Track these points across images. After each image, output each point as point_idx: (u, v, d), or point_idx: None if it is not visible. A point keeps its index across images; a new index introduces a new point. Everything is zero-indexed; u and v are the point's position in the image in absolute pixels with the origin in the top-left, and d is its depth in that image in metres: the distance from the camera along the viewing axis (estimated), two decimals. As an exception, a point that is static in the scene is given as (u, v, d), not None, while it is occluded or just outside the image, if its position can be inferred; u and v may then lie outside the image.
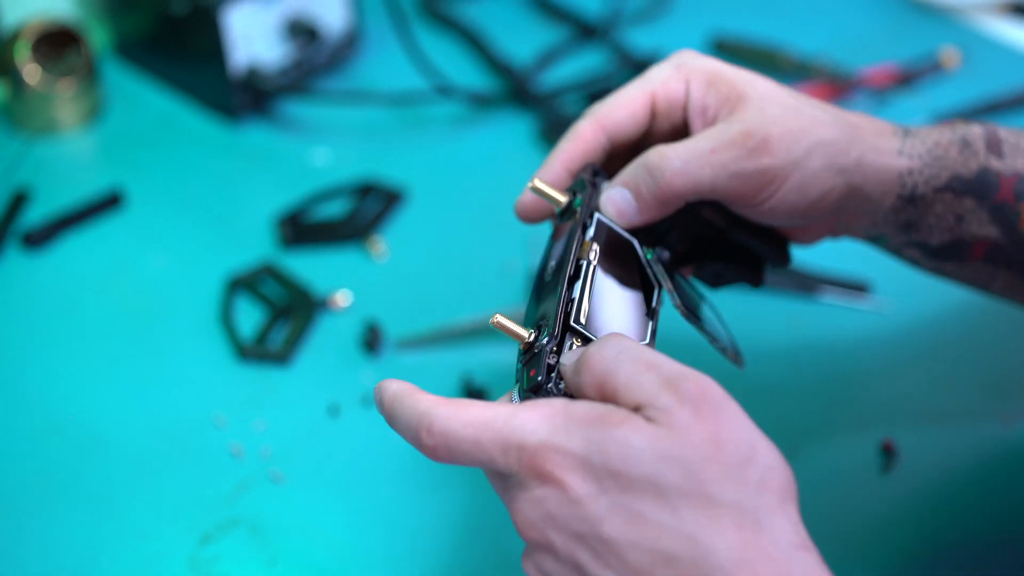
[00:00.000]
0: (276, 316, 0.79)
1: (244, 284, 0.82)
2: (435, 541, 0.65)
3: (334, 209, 0.89)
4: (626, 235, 0.56)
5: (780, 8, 1.14)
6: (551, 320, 0.49)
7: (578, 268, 0.52)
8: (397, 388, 0.48)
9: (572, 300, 0.50)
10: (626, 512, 0.42)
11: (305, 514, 0.67)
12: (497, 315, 0.49)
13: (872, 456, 0.70)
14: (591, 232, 0.54)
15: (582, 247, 0.53)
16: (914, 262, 0.63)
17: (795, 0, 1.16)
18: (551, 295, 0.51)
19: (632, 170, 0.56)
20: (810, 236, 0.63)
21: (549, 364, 0.48)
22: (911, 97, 1.01)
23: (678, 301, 0.54)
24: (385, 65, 1.04)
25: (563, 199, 0.56)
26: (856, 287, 0.81)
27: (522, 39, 1.08)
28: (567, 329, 0.49)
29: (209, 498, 0.68)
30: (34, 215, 0.88)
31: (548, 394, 0.47)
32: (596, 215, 0.55)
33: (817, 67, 1.01)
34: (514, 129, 0.98)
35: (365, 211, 0.88)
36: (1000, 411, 0.73)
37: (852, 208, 0.59)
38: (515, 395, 0.49)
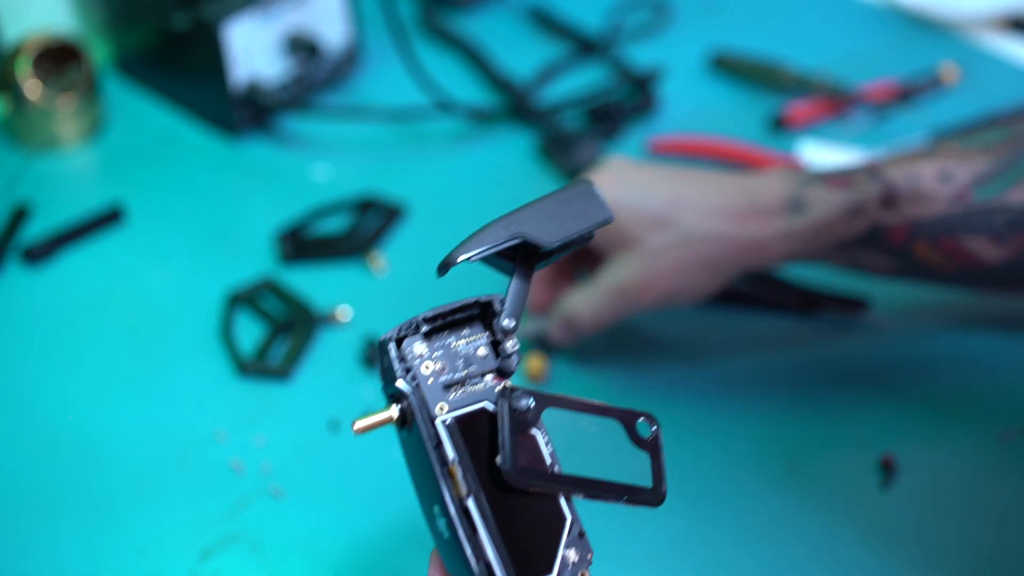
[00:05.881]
0: (276, 331, 0.79)
1: (244, 299, 0.82)
2: (435, 557, 0.65)
3: (334, 225, 0.89)
4: (476, 406, 0.47)
5: (780, 24, 1.15)
6: None
7: (468, 516, 0.45)
8: None
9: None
10: None
11: (305, 530, 0.67)
12: None
13: (871, 472, 0.70)
14: (449, 450, 0.46)
15: (452, 481, 0.45)
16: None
17: (795, 16, 1.16)
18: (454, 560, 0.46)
19: (557, 326, 0.75)
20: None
21: None
22: (910, 113, 1.01)
23: (507, 465, 0.45)
24: (385, 81, 1.04)
25: (392, 414, 0.47)
26: (854, 303, 0.81)
27: (522, 55, 1.08)
28: None
29: (209, 514, 0.68)
30: (34, 230, 0.88)
31: None
32: (439, 423, 0.46)
33: (817, 82, 1.02)
34: (514, 145, 0.99)
35: (365, 227, 0.88)
36: (999, 427, 0.73)
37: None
38: None
